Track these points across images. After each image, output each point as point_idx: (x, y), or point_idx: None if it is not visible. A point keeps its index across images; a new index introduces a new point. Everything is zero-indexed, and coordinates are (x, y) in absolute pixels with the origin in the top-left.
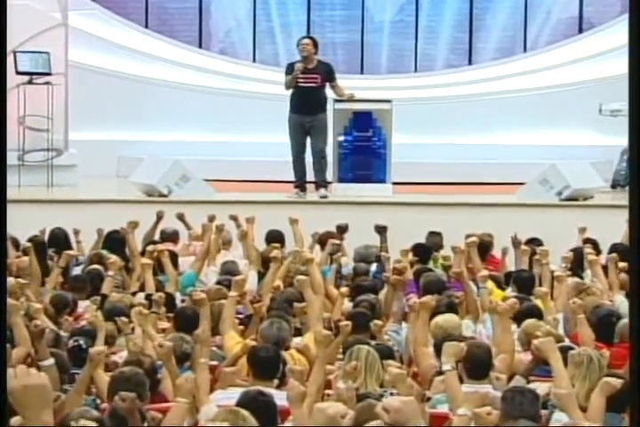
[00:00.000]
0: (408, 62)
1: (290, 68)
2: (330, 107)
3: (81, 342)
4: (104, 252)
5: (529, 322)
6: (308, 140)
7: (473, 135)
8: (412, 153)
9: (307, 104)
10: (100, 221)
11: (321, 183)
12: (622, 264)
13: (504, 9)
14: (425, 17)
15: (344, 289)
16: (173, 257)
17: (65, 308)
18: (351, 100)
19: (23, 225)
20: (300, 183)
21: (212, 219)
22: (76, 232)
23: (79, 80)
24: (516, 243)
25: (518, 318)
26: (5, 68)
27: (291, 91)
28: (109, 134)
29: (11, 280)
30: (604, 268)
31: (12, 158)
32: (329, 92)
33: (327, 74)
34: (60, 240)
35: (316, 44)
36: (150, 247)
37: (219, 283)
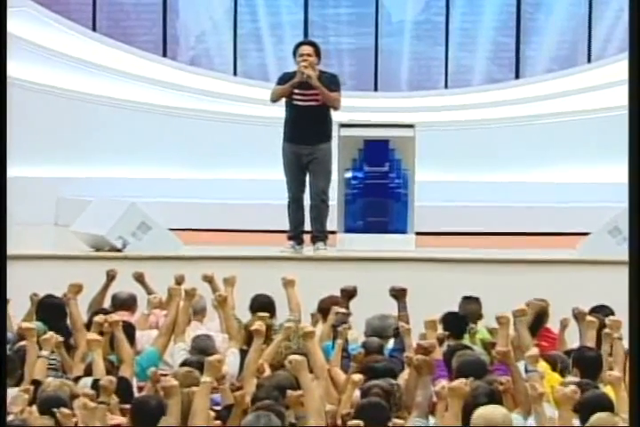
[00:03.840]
0: (436, 76)
1: (285, 79)
2: (334, 133)
3: None
4: (38, 324)
5: (599, 416)
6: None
7: (520, 171)
8: (441, 194)
9: (305, 130)
10: (34, 283)
11: (318, 235)
12: None
13: (562, 6)
14: (458, 16)
15: (356, 377)
16: (129, 330)
17: None
18: (362, 124)
19: None
20: (297, 234)
21: (179, 280)
22: None
23: None
24: (578, 313)
25: (582, 410)
26: (5, 69)
27: (284, 112)
28: (43, 170)
29: None
30: None
31: None
32: (334, 115)
33: (328, 85)
34: None
35: (318, 52)
36: (99, 318)
37: (188, 364)
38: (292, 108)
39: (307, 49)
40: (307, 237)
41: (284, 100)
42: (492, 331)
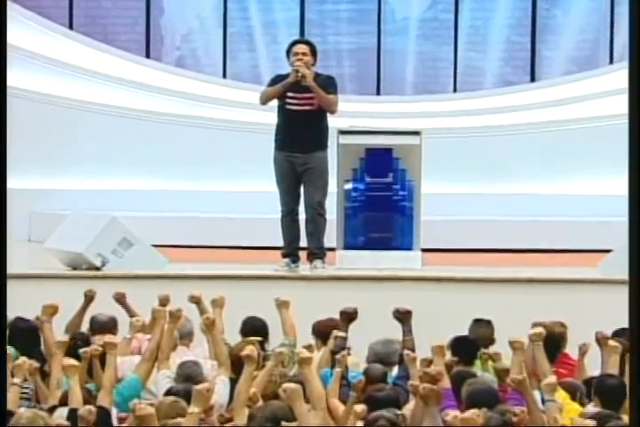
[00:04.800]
0: (444, 78)
1: (277, 81)
2: (332, 141)
3: None
4: (10, 349)
5: None
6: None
7: (535, 182)
8: (449, 208)
9: (299, 136)
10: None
11: (315, 252)
12: None
13: (582, 1)
14: (468, 13)
15: (359, 407)
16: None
17: None
18: (363, 131)
19: None
20: (291, 250)
21: (164, 301)
22: None
23: None
24: (599, 337)
25: None
26: (5, 69)
27: (276, 117)
28: (14, 182)
29: None
30: None
31: None
32: (332, 121)
33: (325, 86)
34: None
35: (314, 52)
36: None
37: (174, 393)
38: (284, 112)
39: (302, 48)
40: (302, 254)
41: (275, 103)
42: (494, 357)
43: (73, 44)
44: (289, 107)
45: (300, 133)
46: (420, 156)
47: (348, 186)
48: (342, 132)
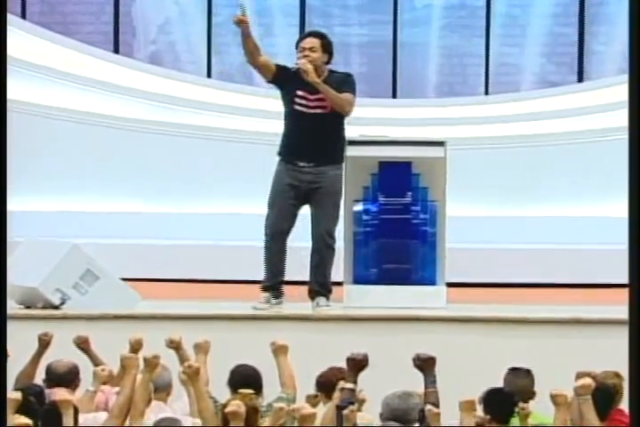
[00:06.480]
0: (473, 77)
1: (285, 73)
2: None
3: None
4: None
5: None
6: (304, 211)
7: (584, 203)
8: (481, 233)
9: (307, 146)
10: None
11: (318, 289)
12: None
13: None
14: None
15: None
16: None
17: None
18: (376, 141)
19: None
20: (274, 283)
21: (136, 346)
22: None
23: None
24: None
25: None
26: (5, 69)
27: (283, 121)
28: None
29: None
30: None
31: None
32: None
33: (338, 85)
34: None
35: (326, 47)
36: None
37: None
38: (292, 115)
39: (309, 42)
40: (292, 290)
41: (281, 108)
42: (522, 413)
43: (25, 37)
44: (298, 108)
45: (310, 141)
46: (444, 171)
47: (358, 207)
48: (351, 143)
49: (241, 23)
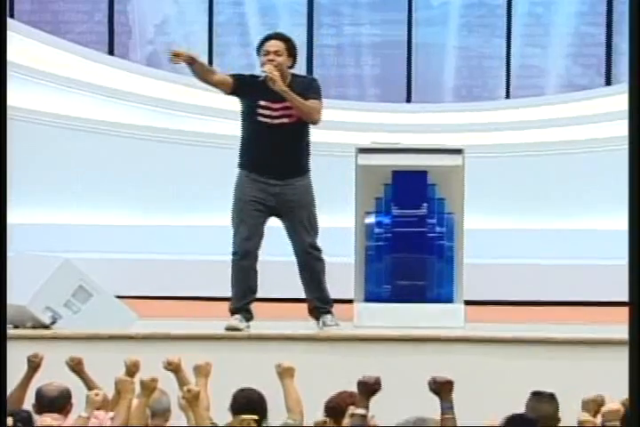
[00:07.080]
0: (493, 80)
1: (243, 82)
2: (350, 161)
3: None
4: None
5: None
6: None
7: (612, 215)
8: (502, 248)
9: (273, 158)
10: None
11: (318, 304)
12: None
13: None
14: None
15: None
16: None
17: None
18: (389, 148)
19: None
20: (243, 304)
21: (133, 369)
22: None
23: None
24: None
25: None
26: (5, 68)
27: (240, 131)
28: None
29: None
30: None
31: None
32: (350, 136)
33: (303, 91)
34: None
35: (291, 50)
36: None
37: None
38: (254, 125)
39: (274, 45)
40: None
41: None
42: None
43: (14, 37)
44: (261, 119)
45: (276, 154)
46: (462, 181)
47: (370, 220)
48: (362, 151)
49: (176, 58)
